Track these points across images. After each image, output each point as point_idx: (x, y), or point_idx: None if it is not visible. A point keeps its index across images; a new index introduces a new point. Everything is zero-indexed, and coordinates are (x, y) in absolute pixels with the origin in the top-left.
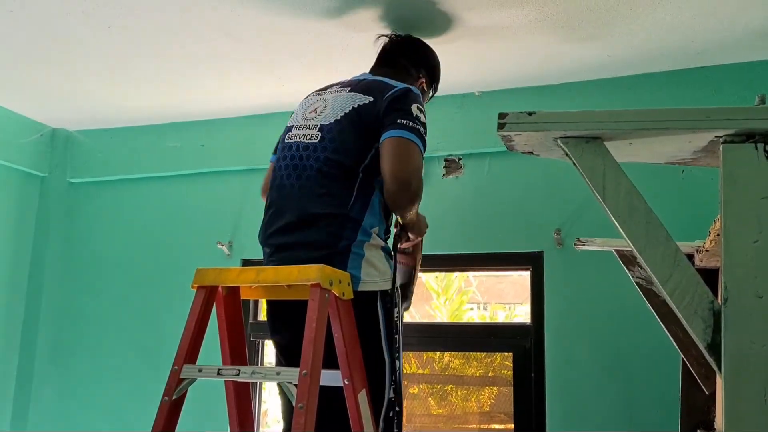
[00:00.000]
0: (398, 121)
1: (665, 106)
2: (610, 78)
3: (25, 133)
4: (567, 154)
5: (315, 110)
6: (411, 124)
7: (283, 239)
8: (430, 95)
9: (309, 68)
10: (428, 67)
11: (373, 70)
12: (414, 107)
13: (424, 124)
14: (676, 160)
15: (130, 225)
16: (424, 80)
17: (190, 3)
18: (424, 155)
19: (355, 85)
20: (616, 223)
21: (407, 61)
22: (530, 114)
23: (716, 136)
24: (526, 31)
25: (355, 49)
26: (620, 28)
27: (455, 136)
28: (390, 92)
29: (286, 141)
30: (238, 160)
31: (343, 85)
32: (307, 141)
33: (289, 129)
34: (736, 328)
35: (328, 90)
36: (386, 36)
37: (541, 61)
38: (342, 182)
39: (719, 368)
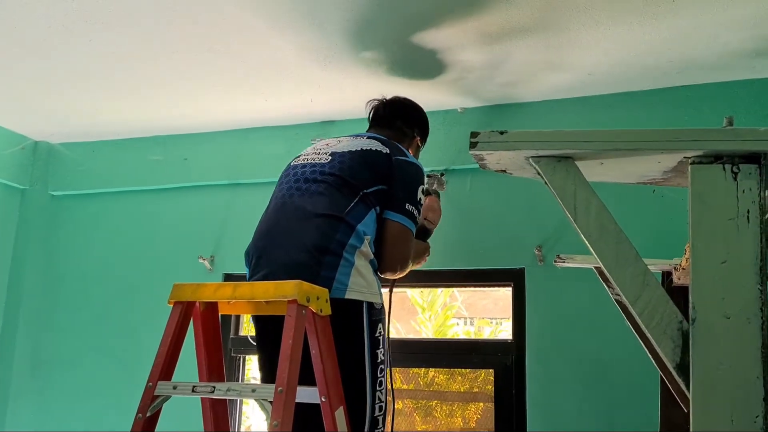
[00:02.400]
0: (406, 207)
1: (645, 124)
2: (590, 96)
3: (6, 146)
4: (539, 173)
5: (328, 144)
6: (413, 210)
7: (272, 242)
8: (422, 148)
9: (292, 83)
10: (421, 126)
11: (371, 132)
12: (419, 189)
13: (421, 204)
14: (646, 180)
15: (112, 238)
16: (418, 138)
17: (172, 18)
18: None
19: (372, 137)
20: (586, 242)
21: (402, 122)
22: (502, 133)
23: (685, 157)
24: (509, 49)
25: (337, 66)
26: (601, 47)
27: (438, 152)
28: (405, 158)
29: (291, 164)
30: (220, 174)
31: (359, 135)
32: (315, 161)
33: (296, 157)
34: (704, 349)
35: (344, 137)
36: (377, 100)
37: (523, 79)
38: (342, 193)
39: (688, 388)
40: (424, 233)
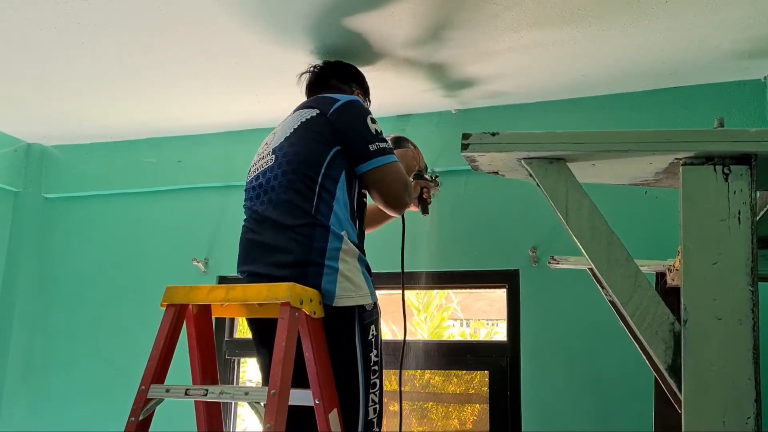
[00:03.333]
0: (369, 148)
1: (639, 125)
2: (584, 97)
3: None
4: (531, 175)
5: (267, 143)
6: (379, 145)
7: (254, 263)
8: (368, 104)
9: (286, 85)
10: (358, 80)
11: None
12: (368, 120)
13: (382, 133)
14: (638, 182)
15: (106, 241)
16: (357, 92)
17: (165, 21)
18: None
19: (298, 107)
20: (578, 243)
21: (338, 81)
22: (493, 134)
23: (676, 158)
24: (503, 50)
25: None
26: (594, 49)
27: (432, 153)
28: (336, 104)
29: (247, 180)
30: (215, 176)
31: (288, 116)
32: (264, 167)
33: (249, 172)
34: (695, 350)
35: (277, 126)
36: (306, 72)
37: (516, 80)
38: (302, 189)
39: (680, 390)
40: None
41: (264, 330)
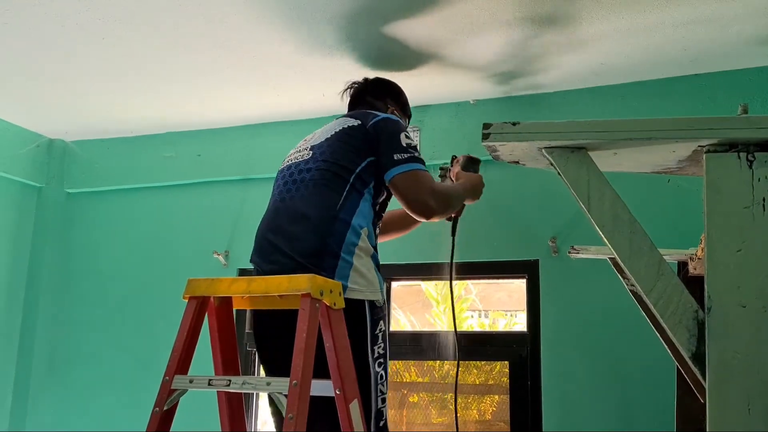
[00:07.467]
0: (394, 157)
1: (659, 113)
2: (603, 86)
3: (21, 144)
4: (552, 164)
5: (306, 140)
6: (405, 155)
7: (271, 251)
8: (407, 122)
9: (304, 78)
10: (393, 95)
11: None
12: (401, 136)
13: (414, 147)
14: (661, 170)
15: (127, 235)
16: (393, 108)
17: (184, 15)
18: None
19: (342, 117)
20: (600, 233)
21: (372, 97)
22: (514, 124)
23: (700, 146)
24: (520, 43)
25: (348, 61)
26: (613, 37)
27: (450, 144)
28: (374, 119)
29: (280, 169)
30: (234, 169)
31: (332, 122)
32: (299, 160)
33: (283, 161)
34: (719, 338)
35: (319, 129)
36: (347, 89)
37: (535, 69)
38: (331, 186)
39: (704, 378)
40: (470, 164)
41: (270, 326)
